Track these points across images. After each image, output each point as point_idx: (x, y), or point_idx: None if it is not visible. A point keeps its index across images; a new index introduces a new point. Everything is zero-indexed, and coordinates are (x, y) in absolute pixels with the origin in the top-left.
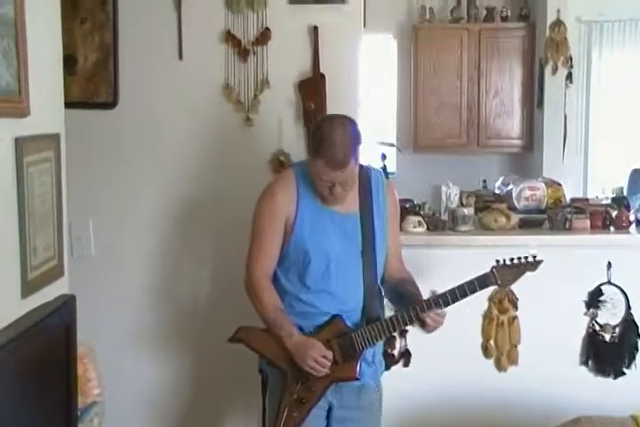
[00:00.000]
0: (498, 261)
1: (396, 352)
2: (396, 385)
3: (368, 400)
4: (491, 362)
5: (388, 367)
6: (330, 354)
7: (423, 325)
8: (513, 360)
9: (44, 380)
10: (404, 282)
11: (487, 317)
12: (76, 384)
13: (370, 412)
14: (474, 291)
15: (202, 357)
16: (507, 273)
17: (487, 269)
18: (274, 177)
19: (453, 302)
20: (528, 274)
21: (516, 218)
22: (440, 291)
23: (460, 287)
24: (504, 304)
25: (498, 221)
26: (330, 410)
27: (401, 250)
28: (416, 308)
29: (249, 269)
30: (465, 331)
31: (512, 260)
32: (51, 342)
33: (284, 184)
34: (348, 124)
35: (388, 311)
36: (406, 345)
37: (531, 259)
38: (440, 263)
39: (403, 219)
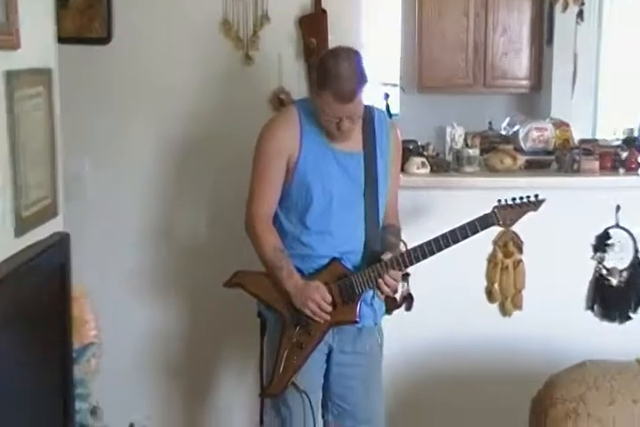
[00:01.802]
0: (500, 200)
1: (398, 296)
2: (397, 330)
3: (368, 343)
4: (495, 307)
5: (389, 311)
6: (329, 297)
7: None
8: (517, 305)
9: (40, 319)
10: (389, 231)
11: (492, 261)
12: (71, 324)
13: (370, 355)
14: (475, 231)
15: (200, 300)
16: (508, 213)
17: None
18: (275, 114)
19: (454, 243)
20: (534, 217)
21: (522, 159)
22: (441, 233)
23: (462, 228)
24: (509, 248)
25: (504, 163)
26: (329, 353)
27: (397, 196)
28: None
29: (249, 208)
30: (469, 275)
31: (514, 199)
32: (46, 281)
33: (286, 120)
34: (354, 55)
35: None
36: (409, 289)
37: (533, 198)
38: (443, 205)
39: (406, 160)
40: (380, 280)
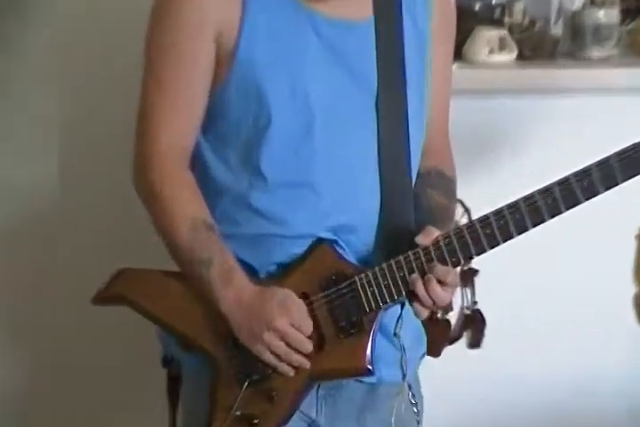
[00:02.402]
0: None
1: (452, 317)
2: (452, 387)
3: (389, 418)
4: None
5: (435, 351)
6: (309, 322)
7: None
8: None
9: None
10: (432, 183)
11: None
12: None
13: None
14: (612, 183)
15: (61, 339)
16: None
17: None
18: None
19: (569, 208)
20: None
21: None
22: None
23: (584, 173)
24: None
25: None
26: None
27: (448, 111)
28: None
29: (142, 142)
30: (602, 273)
31: None
32: None
33: None
34: None
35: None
36: (475, 302)
37: None
38: (545, 128)
39: (467, 34)
40: (417, 285)
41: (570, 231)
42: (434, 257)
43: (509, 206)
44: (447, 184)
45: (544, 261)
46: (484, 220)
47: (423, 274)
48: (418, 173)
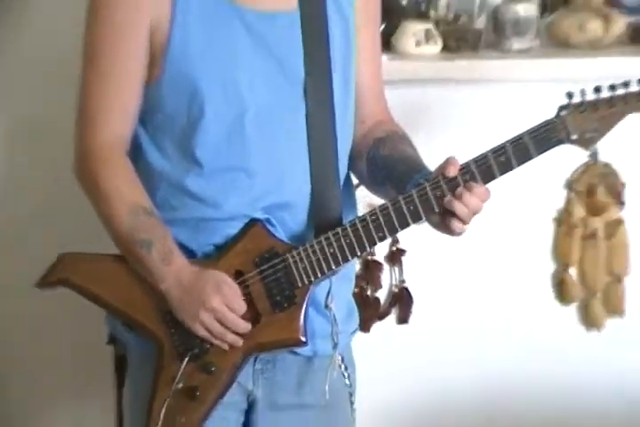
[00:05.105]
0: (571, 95)
1: (382, 294)
2: (382, 361)
3: (324, 388)
4: (572, 311)
5: (365, 325)
6: (242, 303)
7: (440, 220)
8: (615, 307)
9: None
10: (394, 141)
11: (565, 222)
12: None
13: (329, 412)
14: (525, 157)
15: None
16: (588, 118)
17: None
18: None
19: (486, 181)
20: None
21: (622, 22)
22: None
23: (498, 152)
24: (598, 196)
25: (586, 30)
26: (250, 410)
27: (383, 86)
28: (438, 181)
29: (82, 133)
30: (520, 252)
31: (597, 90)
32: None
33: None
34: None
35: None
36: (403, 280)
37: (635, 87)
38: (467, 115)
39: (395, 27)
40: (454, 203)
41: (493, 214)
42: (468, 178)
43: (477, 159)
44: (409, 141)
45: (468, 241)
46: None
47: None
48: (378, 139)
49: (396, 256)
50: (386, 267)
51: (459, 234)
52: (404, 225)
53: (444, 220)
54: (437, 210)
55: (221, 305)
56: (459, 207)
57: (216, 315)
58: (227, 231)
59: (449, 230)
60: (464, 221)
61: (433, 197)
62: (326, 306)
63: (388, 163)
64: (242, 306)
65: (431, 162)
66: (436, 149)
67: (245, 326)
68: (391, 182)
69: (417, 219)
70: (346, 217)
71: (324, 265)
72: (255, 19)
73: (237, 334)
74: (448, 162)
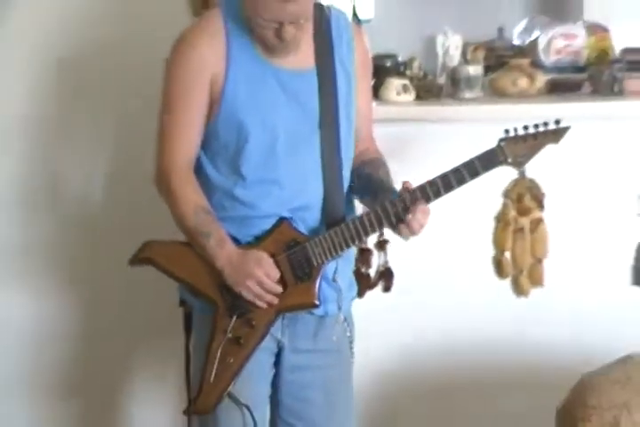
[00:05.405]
0: (507, 131)
1: (372, 271)
2: (372, 318)
3: (332, 337)
4: (506, 283)
5: (360, 293)
6: (276, 272)
7: (397, 229)
8: (537, 280)
9: None
10: (375, 166)
11: (502, 220)
12: None
13: (335, 355)
14: (475, 174)
15: (102, 287)
16: (519, 147)
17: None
18: (194, 22)
19: (446, 192)
20: (560, 159)
21: (542, 79)
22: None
23: (456, 171)
24: (525, 202)
25: (517, 85)
26: (279, 353)
27: (372, 122)
28: (403, 199)
29: (161, 156)
30: (471, 240)
31: (526, 128)
32: None
33: (206, 31)
34: None
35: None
36: (387, 262)
37: (552, 126)
38: (434, 145)
39: (381, 83)
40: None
41: (451, 214)
42: (418, 197)
43: (436, 179)
44: (385, 167)
45: (433, 235)
46: (424, 185)
47: (405, 215)
48: (364, 161)
49: (382, 245)
50: (375, 253)
51: (408, 238)
52: (387, 225)
53: (399, 227)
54: (394, 220)
55: (261, 274)
56: (410, 219)
57: (258, 281)
58: (263, 226)
59: (401, 234)
60: (413, 229)
61: (394, 211)
62: (334, 280)
63: (367, 180)
64: (276, 273)
65: (407, 178)
66: (409, 171)
67: (278, 289)
68: (367, 194)
69: (389, 224)
70: (348, 216)
71: (332, 250)
72: (287, 76)
73: (273, 295)
74: (403, 184)
